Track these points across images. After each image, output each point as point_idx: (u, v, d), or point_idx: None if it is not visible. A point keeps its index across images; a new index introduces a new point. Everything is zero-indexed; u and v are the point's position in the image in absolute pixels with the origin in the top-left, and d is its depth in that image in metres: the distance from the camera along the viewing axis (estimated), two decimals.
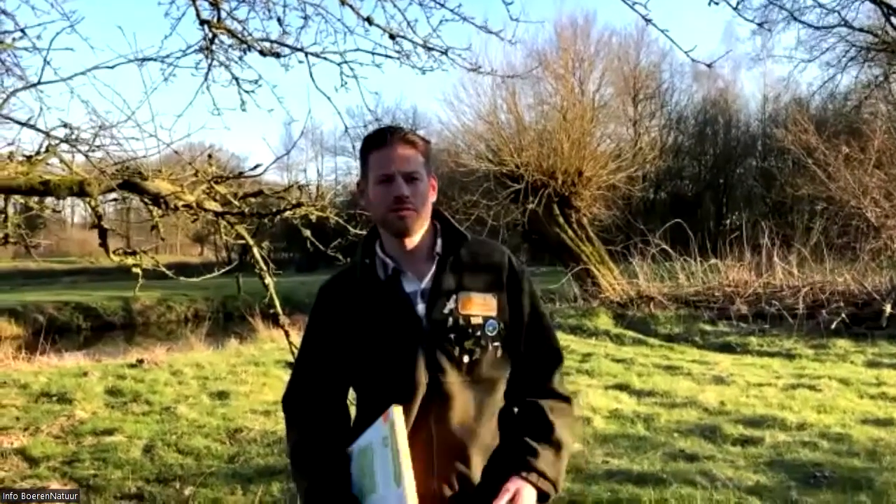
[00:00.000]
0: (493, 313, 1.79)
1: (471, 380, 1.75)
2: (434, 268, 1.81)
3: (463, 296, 1.78)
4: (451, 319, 1.76)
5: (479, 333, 1.76)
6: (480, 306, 1.78)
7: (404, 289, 1.79)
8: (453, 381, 1.73)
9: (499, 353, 1.79)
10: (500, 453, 1.77)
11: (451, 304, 1.77)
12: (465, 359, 1.75)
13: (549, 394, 1.83)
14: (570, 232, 16.74)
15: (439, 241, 1.85)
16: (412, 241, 1.81)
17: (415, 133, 1.82)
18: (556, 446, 1.76)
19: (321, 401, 1.83)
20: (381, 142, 1.78)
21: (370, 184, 1.80)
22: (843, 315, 10.23)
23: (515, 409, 1.84)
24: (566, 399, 1.85)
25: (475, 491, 1.71)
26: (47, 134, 4.22)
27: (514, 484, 1.68)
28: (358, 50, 4.89)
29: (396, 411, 1.63)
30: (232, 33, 4.76)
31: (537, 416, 1.79)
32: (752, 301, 11.67)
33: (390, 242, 1.83)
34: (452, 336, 1.75)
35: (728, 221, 33.04)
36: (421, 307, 1.77)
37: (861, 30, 25.00)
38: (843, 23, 24.84)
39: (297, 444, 1.81)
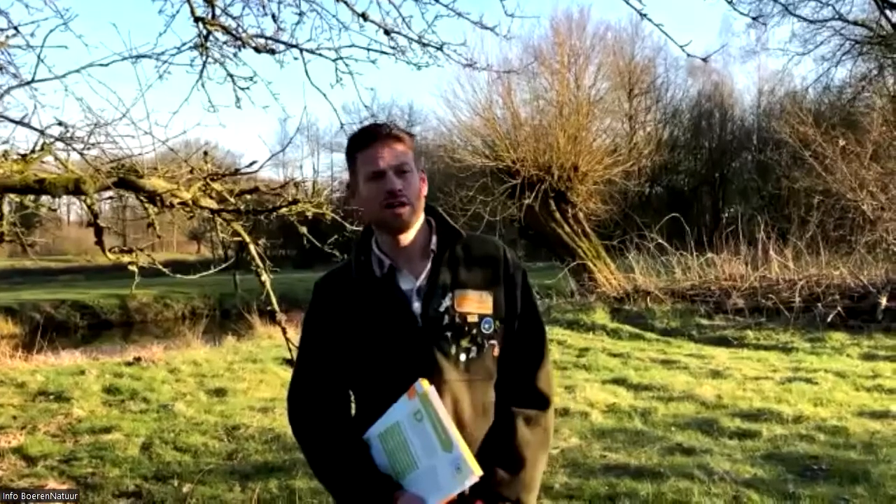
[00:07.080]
0: (489, 311, 1.78)
1: (469, 378, 1.75)
2: (429, 265, 1.80)
3: (459, 293, 1.77)
4: (446, 317, 1.75)
5: (475, 331, 1.76)
6: (476, 304, 1.77)
7: (400, 286, 1.78)
8: (451, 379, 1.72)
9: (495, 351, 1.79)
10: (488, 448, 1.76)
11: (446, 302, 1.76)
12: (462, 357, 1.74)
13: (530, 396, 1.81)
14: (566, 227, 16.74)
15: (434, 238, 1.84)
16: (406, 238, 1.80)
17: (399, 128, 1.81)
18: (520, 467, 1.74)
19: (325, 396, 1.81)
20: (367, 140, 1.77)
21: (360, 183, 1.78)
22: (839, 308, 10.24)
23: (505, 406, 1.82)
24: (545, 403, 1.82)
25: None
26: (42, 132, 4.20)
27: None
28: (353, 46, 4.88)
29: (425, 383, 1.63)
30: (226, 30, 4.74)
31: (507, 434, 1.77)
32: (748, 295, 11.67)
33: (385, 240, 1.82)
34: (448, 334, 1.74)
35: (725, 215, 33.08)
36: (417, 305, 1.76)
37: (855, 23, 24.96)
38: (837, 16, 24.82)
39: (312, 440, 1.79)
